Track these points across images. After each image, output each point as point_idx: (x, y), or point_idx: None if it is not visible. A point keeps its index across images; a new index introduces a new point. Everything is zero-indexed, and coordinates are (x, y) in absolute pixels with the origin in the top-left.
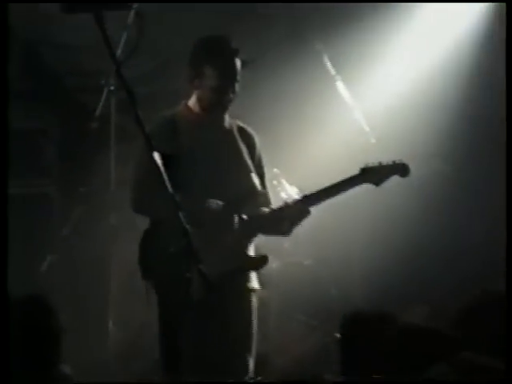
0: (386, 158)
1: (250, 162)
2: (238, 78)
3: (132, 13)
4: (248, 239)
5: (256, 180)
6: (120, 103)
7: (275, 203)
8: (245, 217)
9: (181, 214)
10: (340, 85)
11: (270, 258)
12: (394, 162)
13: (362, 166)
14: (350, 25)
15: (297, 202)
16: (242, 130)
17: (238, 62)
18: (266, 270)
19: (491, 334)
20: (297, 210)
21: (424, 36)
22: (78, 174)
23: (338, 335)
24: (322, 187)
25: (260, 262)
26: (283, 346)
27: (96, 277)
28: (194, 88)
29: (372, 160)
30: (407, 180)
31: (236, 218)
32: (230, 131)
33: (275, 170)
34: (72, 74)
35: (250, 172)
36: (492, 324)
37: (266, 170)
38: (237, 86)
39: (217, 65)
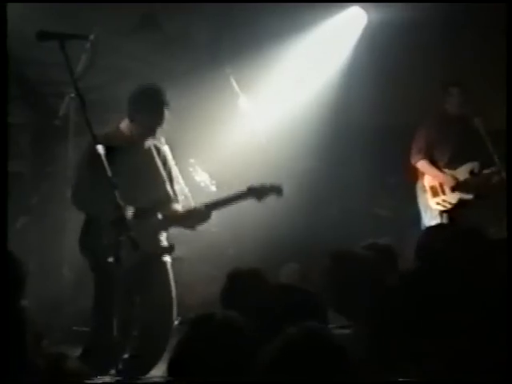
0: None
1: (164, 173)
2: (164, 122)
3: (89, 41)
4: (162, 232)
5: (168, 187)
6: (78, 107)
7: (190, 185)
8: (160, 216)
9: (116, 192)
10: (242, 99)
11: None
12: (271, 184)
13: (248, 185)
14: (255, 49)
15: (201, 208)
16: (157, 149)
17: (167, 113)
18: (185, 234)
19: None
20: (201, 214)
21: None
22: (44, 158)
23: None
24: (218, 199)
25: (168, 249)
26: (194, 291)
27: (55, 234)
28: (129, 120)
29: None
30: (291, 170)
31: (154, 217)
32: (148, 150)
33: (191, 160)
34: (44, 84)
35: (164, 181)
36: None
37: (174, 176)
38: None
39: (149, 114)
